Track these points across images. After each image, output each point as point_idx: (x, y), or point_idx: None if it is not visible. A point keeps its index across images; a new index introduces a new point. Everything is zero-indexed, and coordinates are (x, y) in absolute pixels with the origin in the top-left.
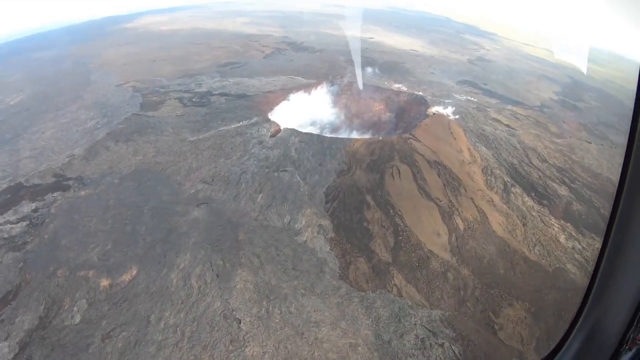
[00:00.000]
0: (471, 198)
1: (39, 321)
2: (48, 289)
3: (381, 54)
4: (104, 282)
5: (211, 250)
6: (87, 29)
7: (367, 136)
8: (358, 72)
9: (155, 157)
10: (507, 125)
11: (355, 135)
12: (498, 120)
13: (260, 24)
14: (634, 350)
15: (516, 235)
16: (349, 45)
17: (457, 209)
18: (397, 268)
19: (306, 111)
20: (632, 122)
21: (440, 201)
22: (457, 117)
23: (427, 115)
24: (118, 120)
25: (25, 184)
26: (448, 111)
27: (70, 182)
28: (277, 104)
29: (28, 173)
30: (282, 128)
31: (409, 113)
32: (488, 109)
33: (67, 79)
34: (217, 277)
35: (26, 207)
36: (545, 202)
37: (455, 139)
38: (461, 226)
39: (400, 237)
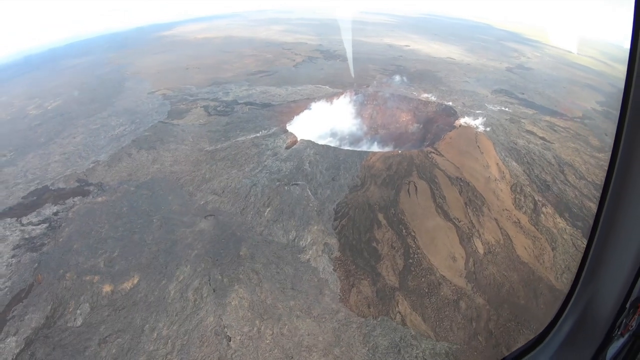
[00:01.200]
0: (495, 219)
1: (45, 320)
2: (56, 290)
3: (414, 63)
4: (107, 288)
5: (211, 264)
6: (130, 36)
7: (388, 149)
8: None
9: (172, 166)
10: (543, 138)
11: (376, 147)
12: (532, 133)
13: (296, 32)
14: (626, 336)
15: (543, 261)
16: (382, 53)
17: (478, 231)
18: (403, 293)
19: (327, 121)
20: (619, 119)
21: (460, 221)
22: (487, 129)
23: (454, 127)
24: (144, 127)
25: (50, 187)
26: (477, 123)
27: (91, 188)
28: (298, 113)
29: (55, 177)
30: (298, 139)
31: (437, 124)
32: (523, 121)
33: (102, 86)
34: (214, 291)
35: (48, 210)
36: (579, 223)
37: (482, 153)
38: (481, 250)
39: (411, 260)
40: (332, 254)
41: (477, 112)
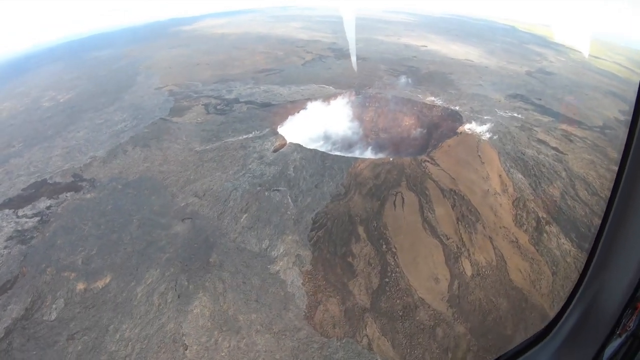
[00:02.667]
0: (490, 237)
1: (25, 312)
2: (37, 284)
3: (427, 64)
4: (80, 286)
5: (180, 269)
6: (150, 29)
7: (382, 155)
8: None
9: (161, 165)
10: (555, 149)
11: (369, 153)
12: (544, 142)
13: (313, 29)
14: (623, 336)
15: (540, 287)
16: (396, 53)
17: (468, 250)
18: (374, 315)
19: (323, 124)
20: (633, 118)
21: (448, 239)
22: (494, 136)
23: (457, 134)
24: (145, 124)
25: (48, 181)
26: (483, 130)
27: (84, 184)
28: (294, 114)
29: (54, 171)
30: (287, 142)
31: (441, 129)
32: (535, 129)
33: (114, 79)
34: (178, 297)
35: (42, 204)
36: (586, 245)
37: (483, 163)
38: (468, 271)
39: (387, 279)
40: (303, 266)
41: (485, 117)
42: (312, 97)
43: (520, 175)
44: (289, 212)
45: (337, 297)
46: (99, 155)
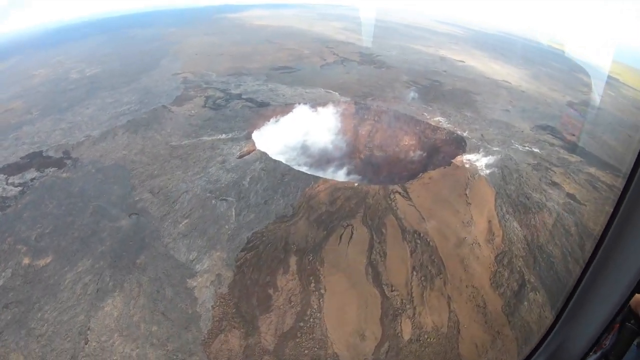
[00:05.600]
0: (448, 296)
1: None
2: None
3: (455, 80)
4: (26, 260)
5: (108, 264)
6: (197, 13)
7: (356, 177)
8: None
9: (136, 155)
10: (571, 196)
11: (342, 173)
12: (559, 186)
13: (353, 31)
14: (598, 353)
15: None
16: (427, 65)
17: (415, 308)
18: (274, 359)
19: (307, 132)
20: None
21: (393, 290)
22: (497, 172)
23: (450, 163)
24: (146, 109)
25: (43, 154)
26: (484, 163)
27: (68, 162)
28: (278, 119)
29: (51, 144)
30: (256, 149)
31: (442, 155)
32: (554, 169)
33: (140, 60)
34: (97, 292)
35: (29, 175)
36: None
37: (469, 204)
38: (406, 334)
39: (302, 324)
40: (219, 288)
41: (494, 149)
42: (312, 101)
43: (515, 224)
44: (227, 226)
45: (242, 330)
46: (93, 135)
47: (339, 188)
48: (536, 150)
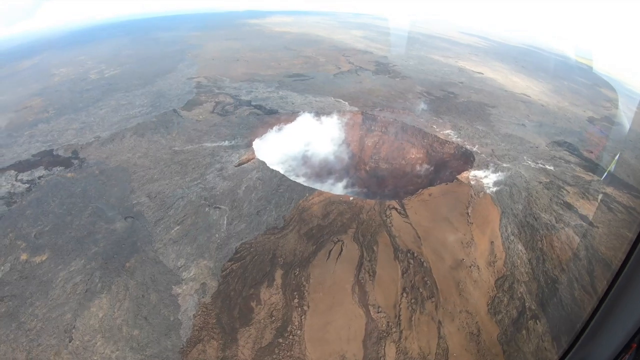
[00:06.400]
0: (439, 321)
1: None
2: None
3: (471, 92)
4: (24, 256)
5: (99, 265)
6: (220, 18)
7: (358, 189)
8: None
9: (139, 158)
10: (584, 218)
11: (340, 187)
12: (571, 207)
13: (373, 40)
14: None
15: None
16: (444, 76)
17: (402, 332)
18: None
19: (310, 142)
20: None
21: (379, 312)
22: (505, 191)
23: (453, 180)
24: (157, 112)
25: (53, 153)
26: (492, 180)
27: (75, 162)
28: (281, 127)
29: (61, 144)
30: (254, 157)
31: (450, 170)
32: (567, 188)
33: (159, 63)
34: (85, 292)
35: (37, 173)
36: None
37: (470, 224)
38: (389, 359)
39: (281, 340)
40: (203, 297)
41: (504, 165)
42: (319, 110)
43: (520, 247)
44: (217, 235)
45: (220, 341)
46: (102, 136)
47: (333, 201)
48: (550, 167)
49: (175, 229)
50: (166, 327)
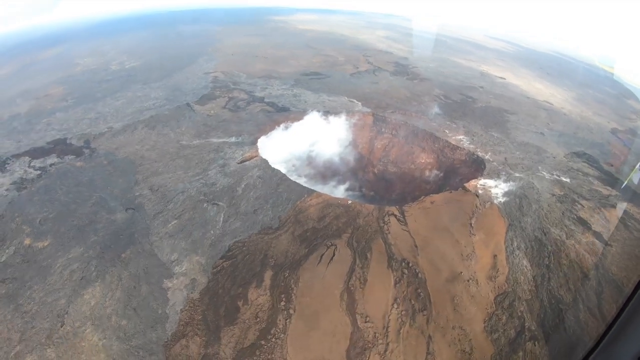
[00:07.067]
0: (429, 336)
1: None
2: (5, 229)
3: (491, 98)
4: (27, 241)
5: (96, 254)
6: (246, 13)
7: (354, 194)
8: None
9: (147, 150)
10: (597, 234)
11: (342, 189)
12: (585, 223)
13: (396, 40)
14: None
15: None
16: (464, 79)
17: (387, 345)
18: None
19: (317, 142)
20: None
21: (367, 321)
22: (514, 202)
23: (458, 188)
24: (171, 106)
25: (67, 141)
26: (501, 189)
27: (86, 151)
28: (288, 125)
29: (75, 133)
30: (258, 155)
31: (460, 177)
32: (582, 202)
33: (179, 56)
34: (81, 279)
35: (50, 160)
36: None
37: (473, 235)
38: None
39: (264, 342)
40: (192, 293)
41: (517, 175)
42: (331, 110)
43: (526, 262)
44: (212, 232)
45: (203, 338)
46: (115, 127)
47: (330, 204)
48: (566, 179)
49: (173, 223)
50: (153, 319)
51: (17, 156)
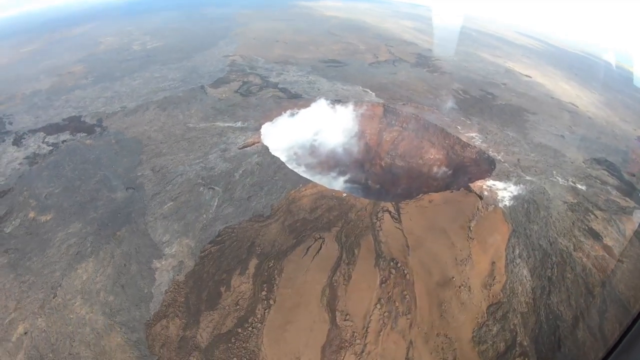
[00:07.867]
0: (411, 342)
1: None
2: (14, 201)
3: (513, 96)
4: (32, 214)
5: (93, 231)
6: None
7: (351, 186)
8: None
9: (154, 131)
10: (607, 248)
11: (341, 181)
12: (596, 235)
13: (421, 31)
14: None
15: None
16: (487, 75)
17: (365, 346)
18: (202, 357)
19: (324, 131)
20: None
21: (346, 319)
22: (522, 207)
23: (460, 188)
24: (185, 88)
25: (81, 119)
26: (509, 193)
27: (97, 130)
28: (296, 112)
29: (90, 111)
30: (260, 141)
31: (469, 176)
32: (595, 212)
33: (200, 38)
34: (76, 254)
35: (63, 137)
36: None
37: (471, 239)
38: None
39: (240, 330)
40: (178, 275)
41: (528, 178)
42: (343, 99)
43: (526, 272)
44: (205, 216)
45: (183, 320)
46: (128, 107)
47: (325, 196)
48: (581, 186)
49: (169, 204)
50: (139, 298)
51: (34, 131)
